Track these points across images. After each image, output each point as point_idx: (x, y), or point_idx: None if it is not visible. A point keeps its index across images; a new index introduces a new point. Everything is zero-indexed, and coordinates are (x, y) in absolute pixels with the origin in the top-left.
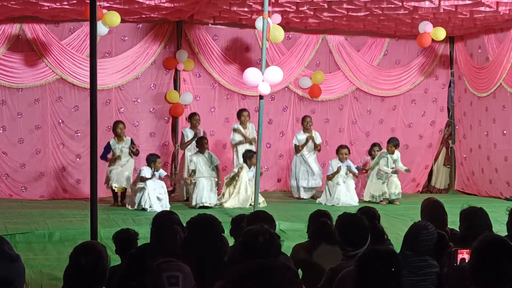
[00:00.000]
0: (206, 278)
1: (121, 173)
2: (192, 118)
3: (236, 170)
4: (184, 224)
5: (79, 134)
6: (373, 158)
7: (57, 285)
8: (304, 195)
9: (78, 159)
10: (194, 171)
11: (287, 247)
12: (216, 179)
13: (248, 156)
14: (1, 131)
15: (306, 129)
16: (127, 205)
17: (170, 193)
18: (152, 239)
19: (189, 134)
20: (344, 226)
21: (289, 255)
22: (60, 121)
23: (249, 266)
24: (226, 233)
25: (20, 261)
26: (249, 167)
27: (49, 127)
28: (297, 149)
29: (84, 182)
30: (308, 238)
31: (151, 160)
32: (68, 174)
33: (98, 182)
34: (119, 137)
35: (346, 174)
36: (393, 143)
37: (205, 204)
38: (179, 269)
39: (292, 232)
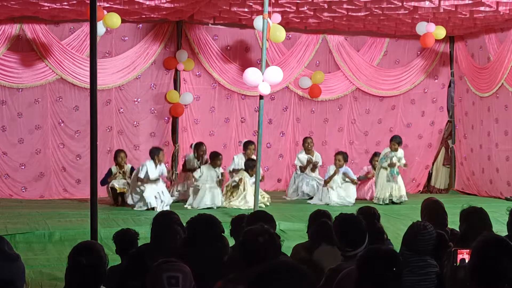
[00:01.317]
0: (206, 278)
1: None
2: (199, 149)
3: (237, 179)
4: (184, 224)
5: (79, 134)
6: (374, 167)
7: (57, 285)
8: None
9: (78, 159)
10: (198, 179)
11: (287, 247)
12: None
13: (250, 166)
14: (1, 131)
15: (307, 150)
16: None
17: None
18: (152, 239)
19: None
20: (342, 226)
21: (289, 255)
22: (60, 121)
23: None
24: (226, 234)
25: (20, 261)
26: (251, 176)
27: (49, 127)
28: (301, 169)
29: (84, 182)
30: (308, 238)
31: (154, 153)
32: (68, 174)
33: (98, 182)
34: (120, 165)
35: (344, 180)
36: (396, 140)
37: (207, 206)
38: (179, 269)
39: (292, 232)
